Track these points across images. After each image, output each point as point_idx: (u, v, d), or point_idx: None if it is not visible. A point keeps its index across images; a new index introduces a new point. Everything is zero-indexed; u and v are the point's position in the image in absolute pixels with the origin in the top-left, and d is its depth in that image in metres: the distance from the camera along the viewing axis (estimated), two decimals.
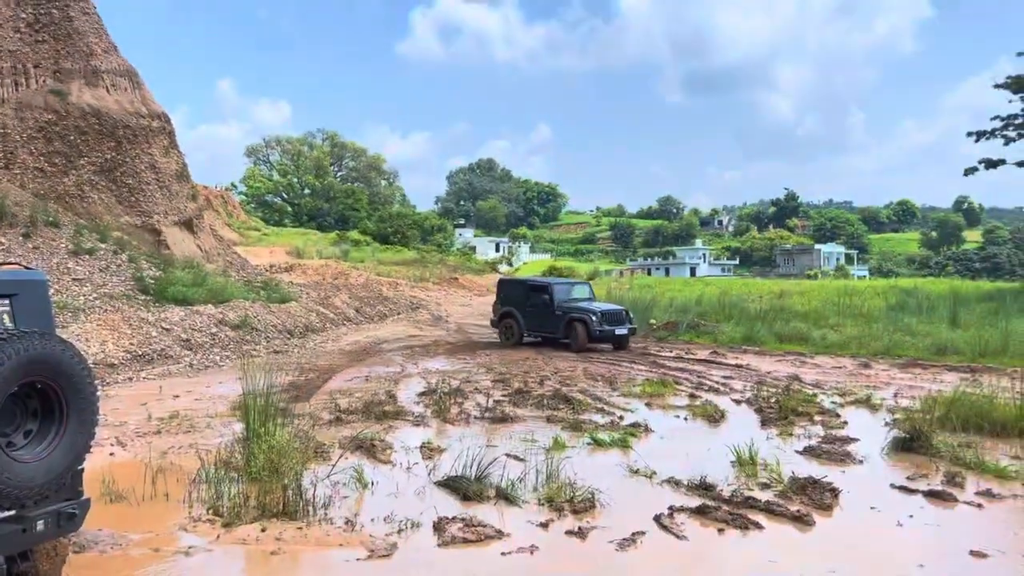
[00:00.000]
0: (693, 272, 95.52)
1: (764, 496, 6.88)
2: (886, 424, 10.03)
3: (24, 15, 25.23)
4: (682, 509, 6.55)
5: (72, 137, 24.16)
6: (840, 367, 16.50)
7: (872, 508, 6.66)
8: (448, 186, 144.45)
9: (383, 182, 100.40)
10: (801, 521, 6.29)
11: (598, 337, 19.36)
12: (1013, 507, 6.83)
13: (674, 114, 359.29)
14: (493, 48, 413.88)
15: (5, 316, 4.48)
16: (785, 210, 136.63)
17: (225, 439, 8.84)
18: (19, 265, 4.98)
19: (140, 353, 16.23)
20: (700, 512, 6.46)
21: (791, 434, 9.72)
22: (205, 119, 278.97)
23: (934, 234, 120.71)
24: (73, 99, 24.52)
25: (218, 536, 5.99)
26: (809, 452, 8.70)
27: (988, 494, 7.04)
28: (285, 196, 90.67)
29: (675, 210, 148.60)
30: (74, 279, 19.93)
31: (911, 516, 6.46)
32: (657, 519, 6.30)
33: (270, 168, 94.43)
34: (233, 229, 63.98)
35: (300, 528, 6.08)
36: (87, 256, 21.05)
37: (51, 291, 16.42)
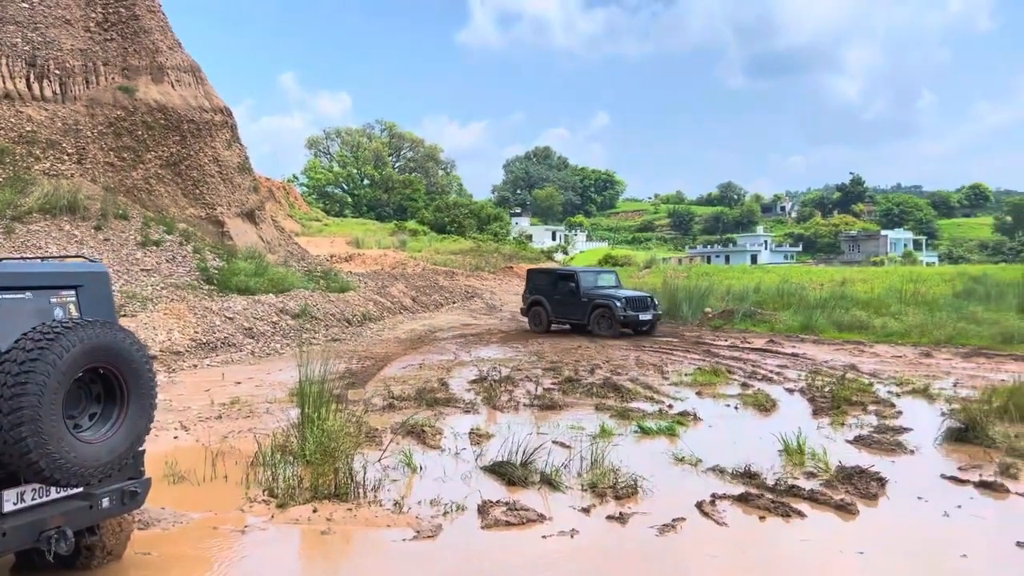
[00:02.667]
0: (754, 259, 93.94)
1: (809, 485, 6.87)
2: (942, 414, 9.82)
3: (93, 15, 26.15)
4: (724, 496, 6.58)
5: (139, 132, 25.00)
6: (900, 356, 16.16)
7: (919, 498, 6.59)
8: (504, 175, 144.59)
9: (440, 172, 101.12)
10: (845, 510, 6.27)
11: (622, 322, 19.83)
12: None
13: (736, 99, 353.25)
14: (552, 35, 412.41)
15: (71, 306, 4.78)
16: (850, 195, 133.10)
17: (282, 424, 9.15)
18: (83, 258, 5.28)
19: (204, 341, 16.80)
20: (742, 500, 6.49)
21: (843, 424, 9.62)
22: (268, 112, 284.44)
23: (1009, 219, 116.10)
24: (140, 95, 25.36)
25: (272, 516, 6.26)
26: (859, 441, 8.61)
27: None
28: (345, 187, 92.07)
29: (736, 196, 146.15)
30: (142, 269, 20.70)
31: (959, 506, 6.38)
32: (699, 506, 6.36)
33: (330, 159, 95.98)
34: (295, 220, 65.29)
35: (350, 509, 6.30)
36: (154, 247, 21.83)
37: (120, 281, 17.01)
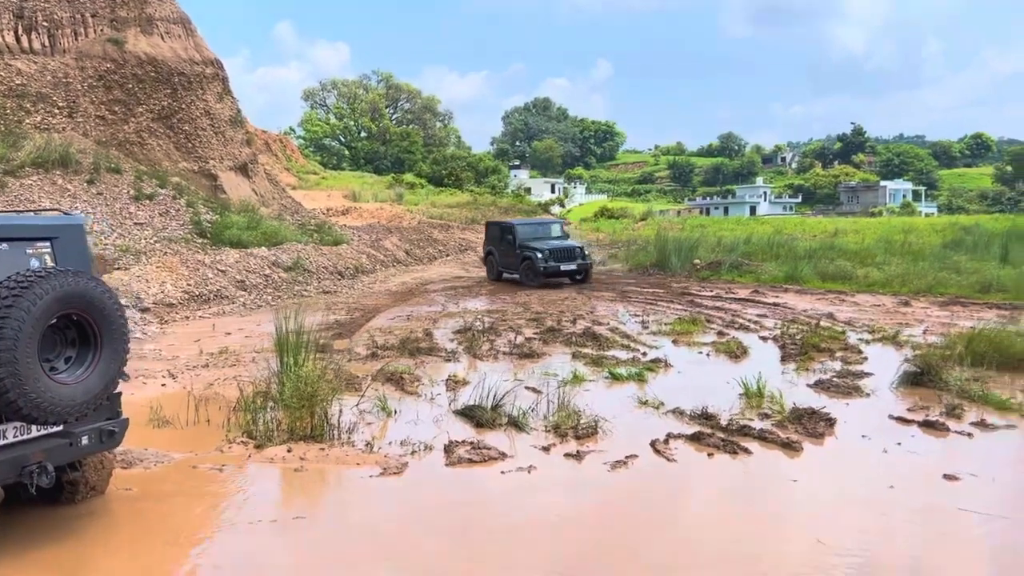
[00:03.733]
0: (753, 211, 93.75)
1: (761, 425, 7.22)
2: (906, 360, 10.15)
3: None
4: (679, 436, 6.94)
5: (130, 85, 25.00)
6: (879, 305, 16.46)
7: (864, 436, 6.94)
8: (504, 127, 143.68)
9: (438, 124, 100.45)
10: (790, 447, 6.63)
11: (544, 272, 20.48)
12: (1002, 436, 7.03)
13: (739, 48, 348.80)
14: None
15: (47, 256, 5.05)
16: (851, 146, 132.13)
17: (266, 372, 9.48)
18: (59, 211, 5.54)
19: (197, 293, 17.11)
20: (694, 439, 6.84)
21: (808, 369, 9.95)
22: (264, 62, 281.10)
23: (1009, 168, 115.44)
24: (129, 47, 25.31)
25: (250, 456, 6.62)
26: (819, 385, 8.95)
27: (982, 424, 7.25)
28: (342, 140, 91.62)
29: (736, 147, 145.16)
30: (136, 223, 20.93)
31: (899, 444, 6.74)
32: (652, 444, 6.71)
33: (327, 112, 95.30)
34: (292, 173, 65.10)
35: (322, 449, 6.67)
36: (147, 201, 22.02)
37: (113, 235, 17.24)
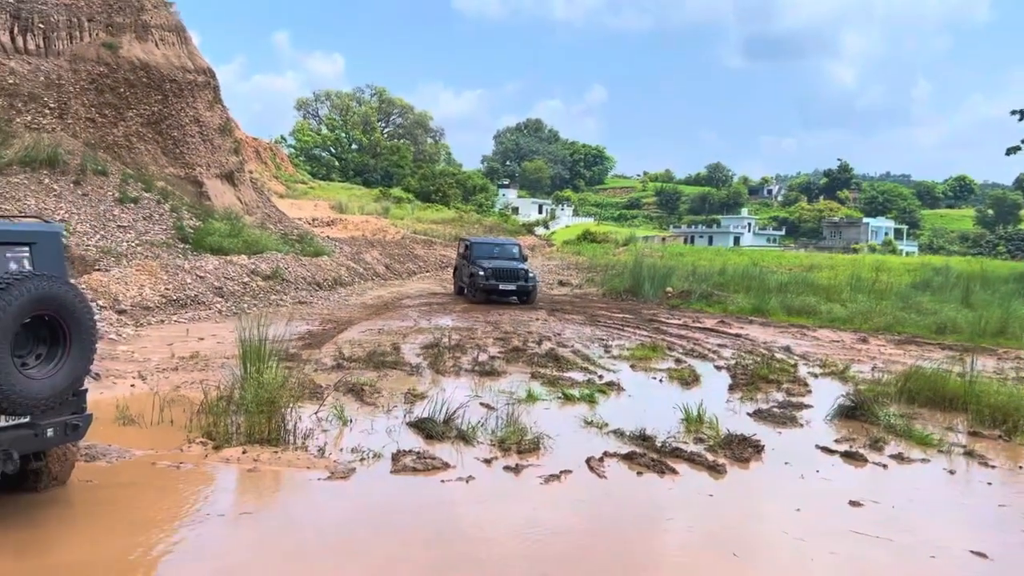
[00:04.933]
0: (737, 241, 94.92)
1: (692, 448, 7.68)
2: (841, 395, 10.65)
3: None
4: (614, 455, 7.39)
5: (122, 89, 25.39)
6: (838, 341, 17.03)
7: (786, 463, 7.42)
8: (495, 145, 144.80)
9: (429, 139, 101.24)
10: (715, 470, 7.09)
11: (484, 289, 21.55)
12: (914, 468, 7.52)
13: (732, 79, 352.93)
14: (552, 4, 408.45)
15: (25, 260, 5.46)
16: (837, 181, 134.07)
17: (231, 378, 9.86)
18: (39, 218, 5.97)
19: (175, 298, 17.46)
20: (628, 458, 7.30)
21: (752, 399, 10.44)
22: (260, 70, 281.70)
23: (990, 211, 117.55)
24: (124, 52, 25.72)
25: (207, 456, 7.01)
26: (758, 415, 9.44)
27: (899, 457, 7.75)
28: (333, 151, 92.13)
29: (724, 177, 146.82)
30: (119, 226, 21.26)
31: (817, 471, 7.22)
32: (587, 461, 7.15)
33: (319, 122, 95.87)
34: (281, 181, 65.47)
35: (276, 452, 7.07)
36: (132, 204, 22.36)
37: (95, 236, 17.62)
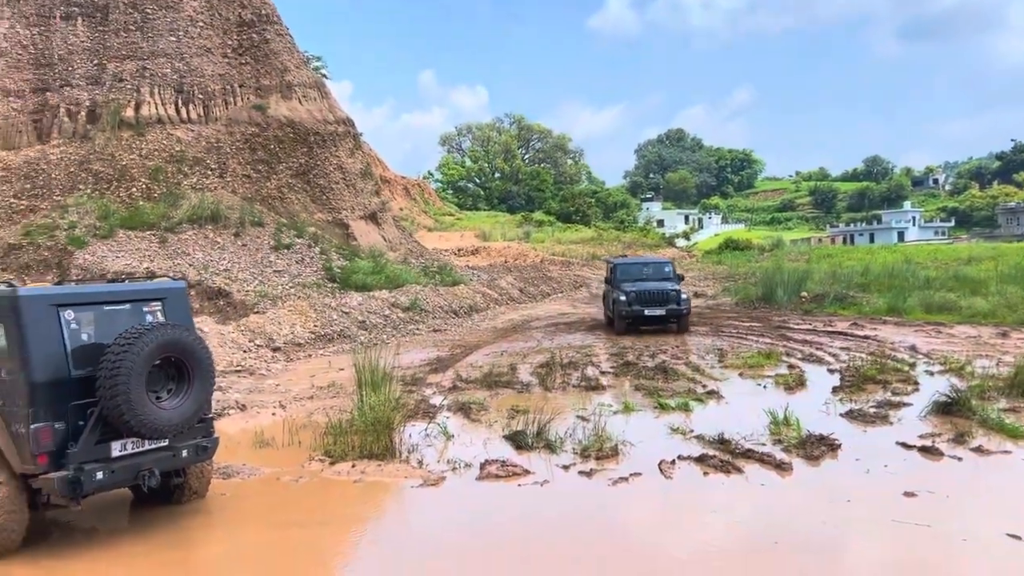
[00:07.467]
0: (901, 237, 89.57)
1: (766, 449, 7.97)
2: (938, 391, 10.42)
3: (230, 42, 29.44)
4: (687, 458, 7.82)
5: (272, 146, 28.04)
6: (975, 336, 16.30)
7: (857, 459, 7.57)
8: (637, 159, 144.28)
9: (569, 161, 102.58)
10: (781, 468, 7.38)
11: (625, 317, 18.82)
12: (990, 460, 7.49)
13: (886, 67, 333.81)
14: (689, 14, 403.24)
15: (158, 312, 6.70)
16: (1012, 163, 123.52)
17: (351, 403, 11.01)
18: (168, 278, 7.24)
19: (323, 333, 19.17)
20: (699, 460, 7.71)
21: (852, 399, 10.44)
22: (408, 109, 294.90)
23: None
24: (271, 112, 28.42)
25: (323, 470, 8.07)
26: (850, 415, 9.51)
27: (979, 450, 7.70)
28: (477, 181, 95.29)
29: (883, 170, 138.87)
30: (275, 271, 23.47)
31: (885, 466, 7.34)
32: (659, 464, 7.63)
33: (463, 155, 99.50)
34: (429, 216, 68.58)
35: (380, 465, 8.03)
36: (286, 250, 24.61)
37: (254, 283, 19.63)
